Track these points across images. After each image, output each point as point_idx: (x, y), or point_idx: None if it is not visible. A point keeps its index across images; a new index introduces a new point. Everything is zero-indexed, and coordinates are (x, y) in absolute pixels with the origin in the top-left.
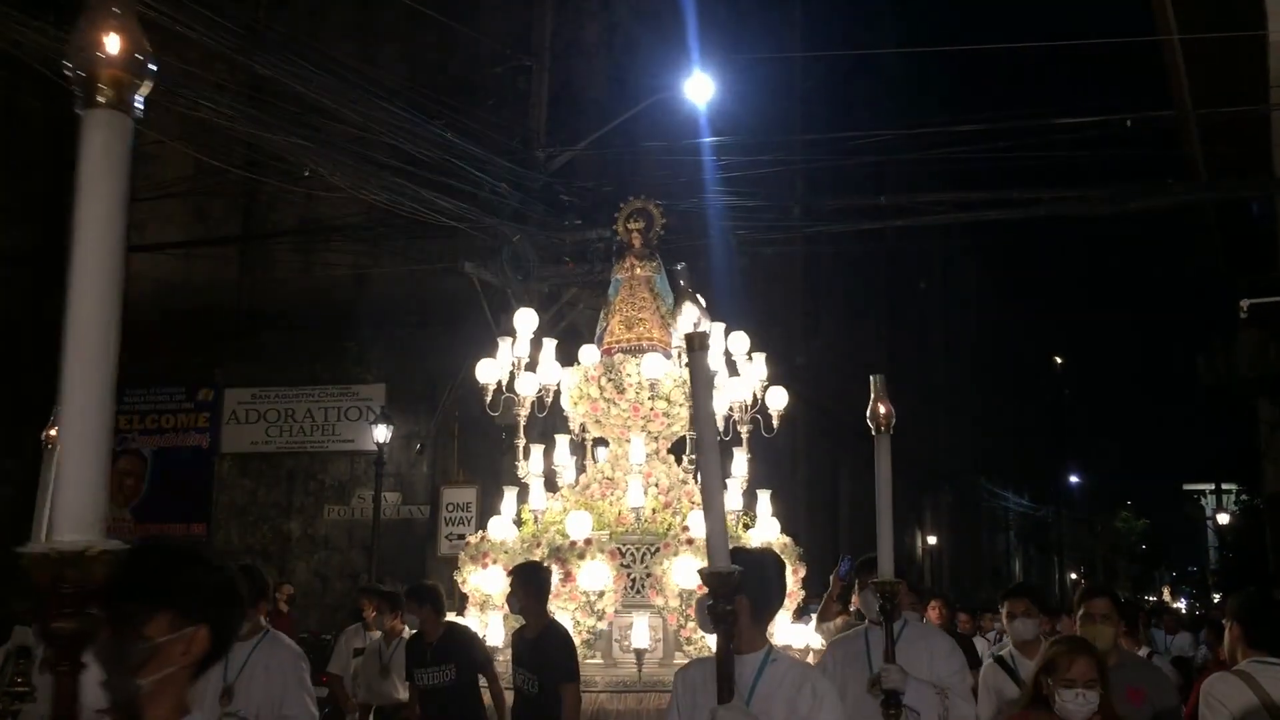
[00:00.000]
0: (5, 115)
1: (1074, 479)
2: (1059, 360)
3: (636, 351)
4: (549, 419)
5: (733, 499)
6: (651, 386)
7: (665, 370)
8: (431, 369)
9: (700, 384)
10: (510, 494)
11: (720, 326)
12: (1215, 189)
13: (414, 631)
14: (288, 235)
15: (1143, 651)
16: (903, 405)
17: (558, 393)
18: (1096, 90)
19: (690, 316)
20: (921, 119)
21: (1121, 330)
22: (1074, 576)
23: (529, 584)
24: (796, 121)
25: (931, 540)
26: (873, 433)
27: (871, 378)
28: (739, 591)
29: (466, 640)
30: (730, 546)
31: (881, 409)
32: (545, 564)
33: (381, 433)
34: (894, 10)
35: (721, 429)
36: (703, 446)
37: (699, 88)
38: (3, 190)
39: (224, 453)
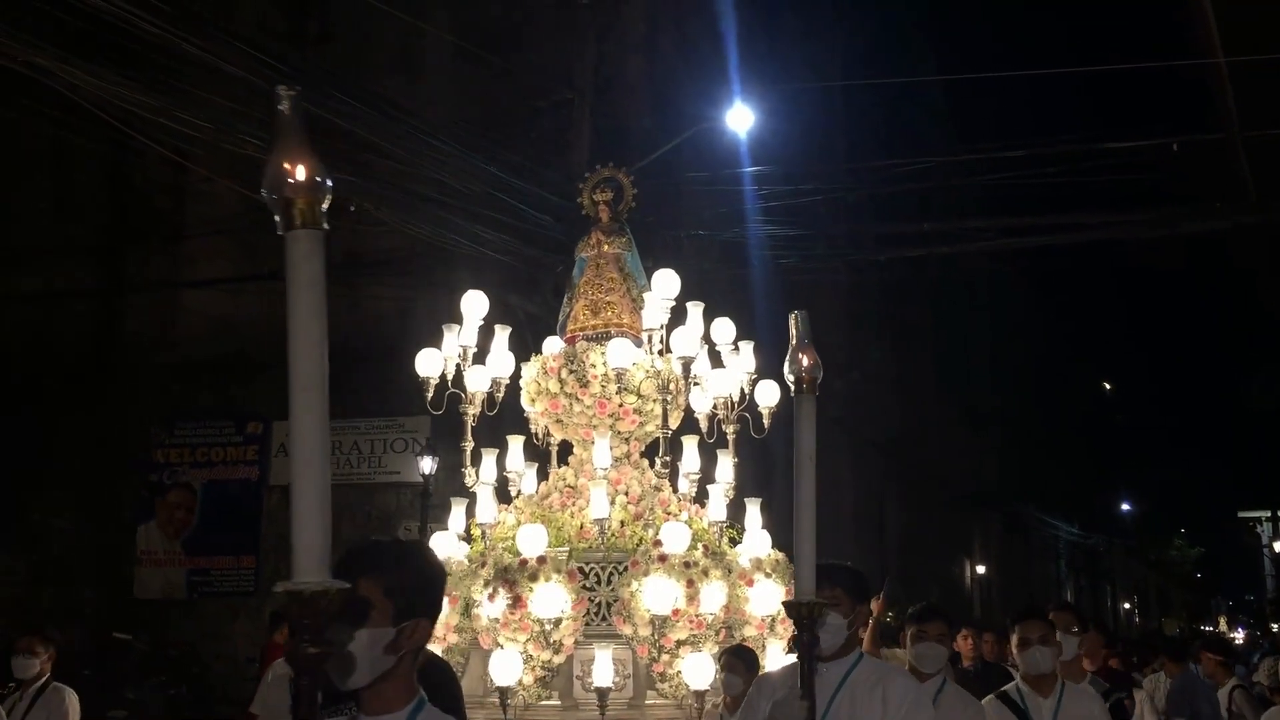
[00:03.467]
0: (61, 155)
1: (1126, 506)
2: (1108, 386)
3: (603, 339)
4: (513, 420)
5: (715, 507)
6: (619, 378)
7: (634, 359)
8: (505, 409)
9: (805, 432)
10: (459, 506)
11: (698, 305)
12: (1265, 211)
13: None
14: (334, 269)
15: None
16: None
17: (517, 389)
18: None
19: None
20: (965, 145)
21: (1172, 355)
22: (1127, 606)
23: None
24: (838, 150)
25: (980, 569)
26: (790, 390)
27: (792, 316)
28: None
29: (445, 672)
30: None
31: (804, 359)
32: (490, 586)
33: (427, 464)
34: (935, 36)
35: (705, 429)
36: (800, 485)
37: (740, 118)
38: (61, 229)
39: (272, 485)
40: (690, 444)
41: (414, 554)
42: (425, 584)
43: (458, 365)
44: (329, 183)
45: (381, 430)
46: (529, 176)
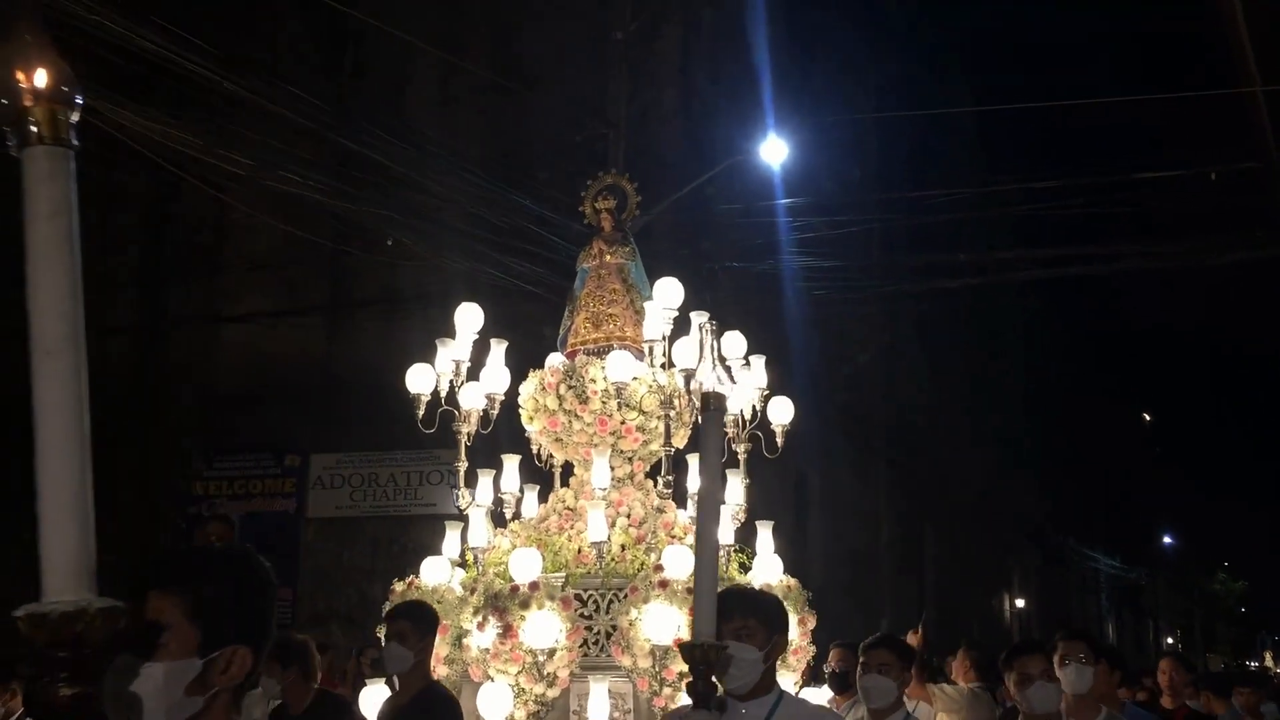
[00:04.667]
0: (104, 191)
1: (1167, 539)
2: (1147, 417)
3: (605, 353)
4: (513, 438)
5: (723, 531)
6: (619, 393)
7: (635, 372)
8: (515, 429)
9: (712, 450)
10: (454, 531)
11: (701, 315)
12: None
13: (276, 702)
14: (370, 304)
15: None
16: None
17: (515, 406)
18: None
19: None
20: (997, 174)
21: (1211, 385)
22: (1170, 641)
23: (422, 627)
24: (871, 181)
25: (1020, 603)
26: (697, 409)
27: (697, 323)
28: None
29: (341, 715)
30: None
31: (711, 376)
32: (480, 614)
33: (464, 496)
34: (967, 66)
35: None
36: (704, 510)
37: (774, 150)
38: (102, 264)
39: (310, 517)
40: (696, 463)
41: (229, 563)
42: (244, 601)
43: (450, 382)
44: (79, 97)
45: (417, 462)
46: (565, 211)
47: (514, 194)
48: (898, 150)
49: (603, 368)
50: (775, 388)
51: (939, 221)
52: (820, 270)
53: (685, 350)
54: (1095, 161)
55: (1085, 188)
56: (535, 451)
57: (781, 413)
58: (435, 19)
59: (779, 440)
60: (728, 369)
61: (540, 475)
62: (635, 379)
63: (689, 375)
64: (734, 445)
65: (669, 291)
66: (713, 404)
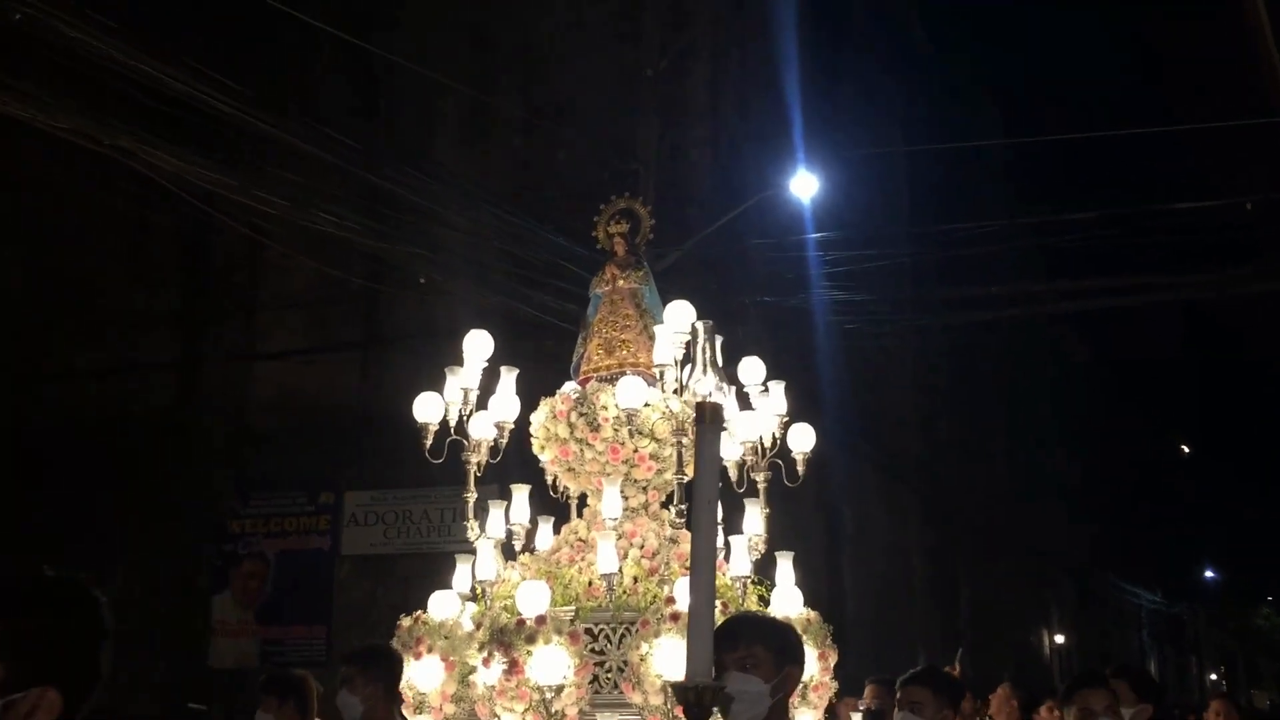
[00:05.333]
0: (139, 231)
1: (1209, 573)
2: (1185, 449)
3: (617, 380)
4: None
5: (740, 561)
6: (629, 419)
7: (646, 398)
8: (529, 459)
9: (706, 467)
10: (464, 564)
11: (710, 333)
12: None
13: None
14: (406, 340)
15: None
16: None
17: (526, 434)
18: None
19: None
20: (1029, 205)
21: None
22: (1213, 678)
23: (373, 673)
24: (902, 214)
25: (1060, 639)
26: (693, 418)
27: (694, 322)
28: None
29: None
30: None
31: (708, 382)
32: (485, 650)
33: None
34: (996, 97)
35: (735, 477)
36: (698, 532)
37: (804, 185)
38: (138, 302)
39: (344, 555)
40: None
41: (51, 595)
42: (64, 639)
43: (460, 411)
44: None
45: (451, 499)
46: (593, 245)
47: (543, 230)
48: (927, 183)
49: (614, 394)
50: (804, 421)
51: (970, 254)
52: (851, 304)
53: (698, 374)
54: (1127, 191)
55: (1117, 218)
56: (550, 482)
57: (802, 440)
58: (465, 57)
59: (800, 468)
60: (745, 395)
61: (556, 507)
62: (647, 405)
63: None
64: (753, 474)
65: (680, 315)
66: (708, 415)
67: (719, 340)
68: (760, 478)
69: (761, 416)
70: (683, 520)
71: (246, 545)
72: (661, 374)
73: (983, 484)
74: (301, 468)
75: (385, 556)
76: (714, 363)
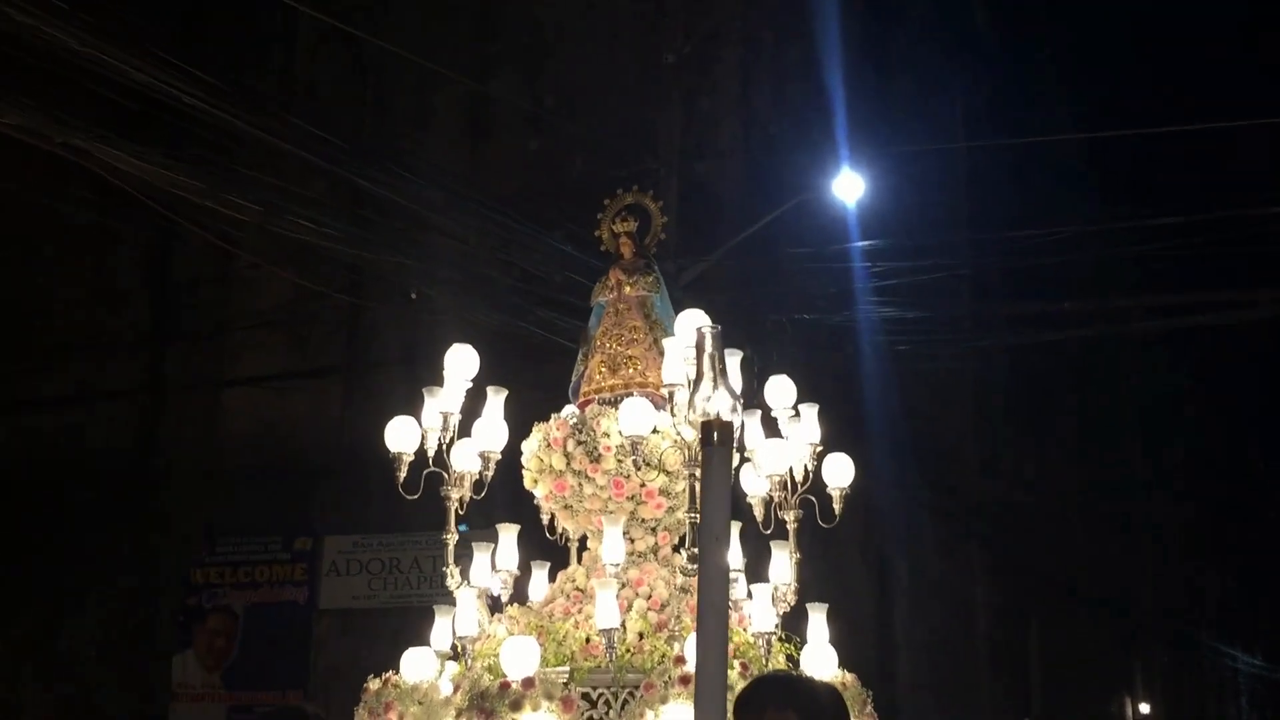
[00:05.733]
0: (97, 244)
1: None
2: None
3: (622, 402)
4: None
5: (762, 615)
6: (634, 448)
7: (654, 423)
8: (521, 495)
9: (715, 496)
10: (444, 618)
11: (735, 354)
12: None
13: None
14: (393, 365)
15: None
16: (1102, 544)
17: (517, 467)
18: None
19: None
20: (1109, 210)
21: None
22: None
23: None
24: (961, 220)
25: (1145, 708)
26: (699, 440)
27: (697, 328)
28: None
29: None
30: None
31: (718, 396)
32: (464, 717)
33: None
34: (1071, 84)
35: (760, 515)
36: (706, 577)
37: (848, 186)
38: (97, 324)
39: (323, 609)
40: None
41: None
42: None
43: (439, 439)
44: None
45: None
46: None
47: (551, 239)
48: (991, 183)
49: (617, 419)
50: (847, 456)
51: (1040, 264)
52: (903, 322)
53: (706, 388)
54: (1224, 192)
55: (1213, 223)
56: (547, 522)
57: (839, 473)
58: (463, 45)
59: (837, 506)
60: (773, 420)
61: (553, 551)
62: (656, 431)
63: None
64: (781, 513)
65: (693, 325)
66: (717, 435)
67: (741, 358)
68: (790, 517)
69: (792, 446)
70: (694, 567)
71: (212, 598)
72: (671, 395)
73: (1056, 529)
74: (275, 509)
75: (370, 611)
76: (724, 375)
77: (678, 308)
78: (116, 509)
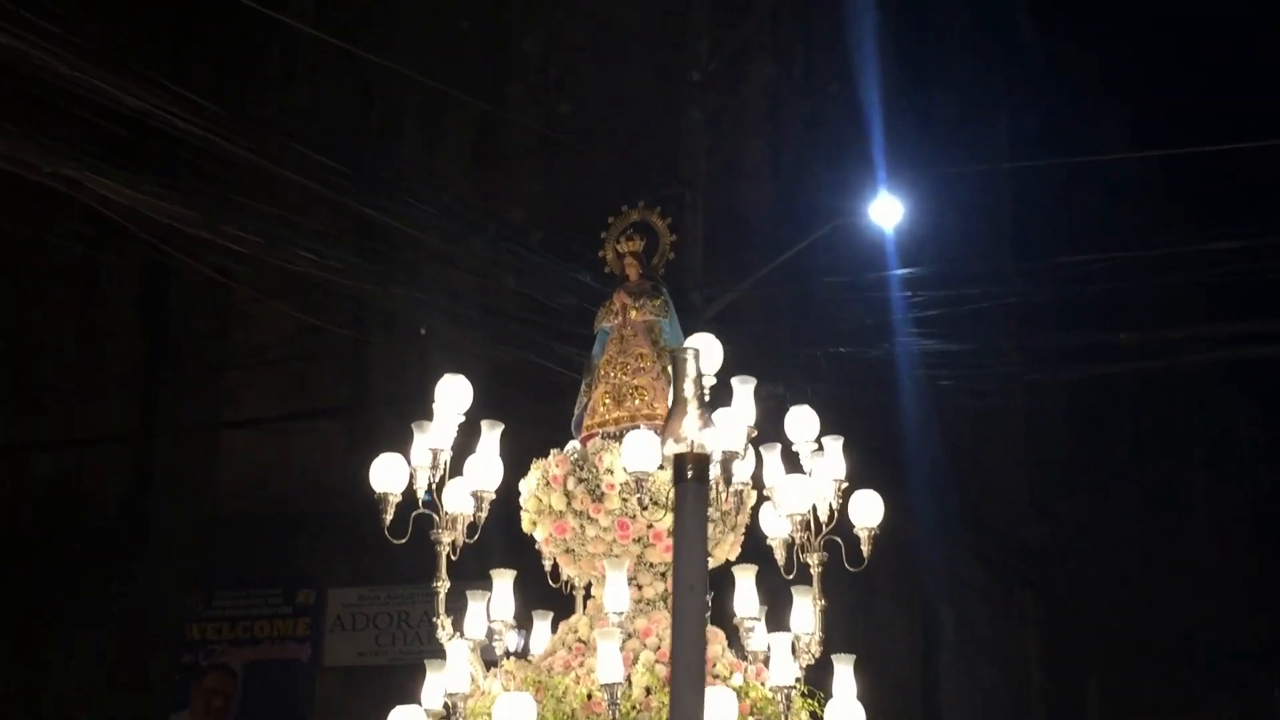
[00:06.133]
0: (87, 279)
1: None
2: None
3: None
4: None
5: (781, 667)
6: (639, 485)
7: (660, 459)
8: (520, 539)
9: (691, 539)
10: (436, 673)
11: (748, 382)
12: None
13: None
14: (400, 404)
15: None
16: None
17: (516, 508)
18: None
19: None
20: (1169, 232)
21: None
22: None
23: None
24: (1007, 245)
25: None
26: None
27: (674, 351)
28: None
29: None
30: None
31: (693, 425)
32: None
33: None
34: (1126, 100)
35: (782, 560)
36: (680, 634)
37: (886, 210)
38: (87, 363)
39: (327, 666)
40: (745, 578)
41: None
42: None
43: (429, 478)
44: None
45: (457, 597)
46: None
47: (569, 268)
48: (1040, 206)
49: (621, 454)
50: (889, 501)
51: (1094, 292)
52: (946, 355)
53: (723, 426)
54: None
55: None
56: (550, 569)
57: (867, 511)
58: (473, 64)
59: (865, 548)
60: (794, 455)
61: (558, 600)
62: (664, 467)
63: (728, 461)
64: (803, 556)
65: (704, 351)
66: (691, 470)
67: (751, 389)
68: (814, 560)
69: (816, 483)
70: (708, 613)
71: (209, 655)
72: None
73: (1115, 576)
74: (275, 559)
75: (378, 668)
76: (700, 398)
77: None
78: (107, 560)
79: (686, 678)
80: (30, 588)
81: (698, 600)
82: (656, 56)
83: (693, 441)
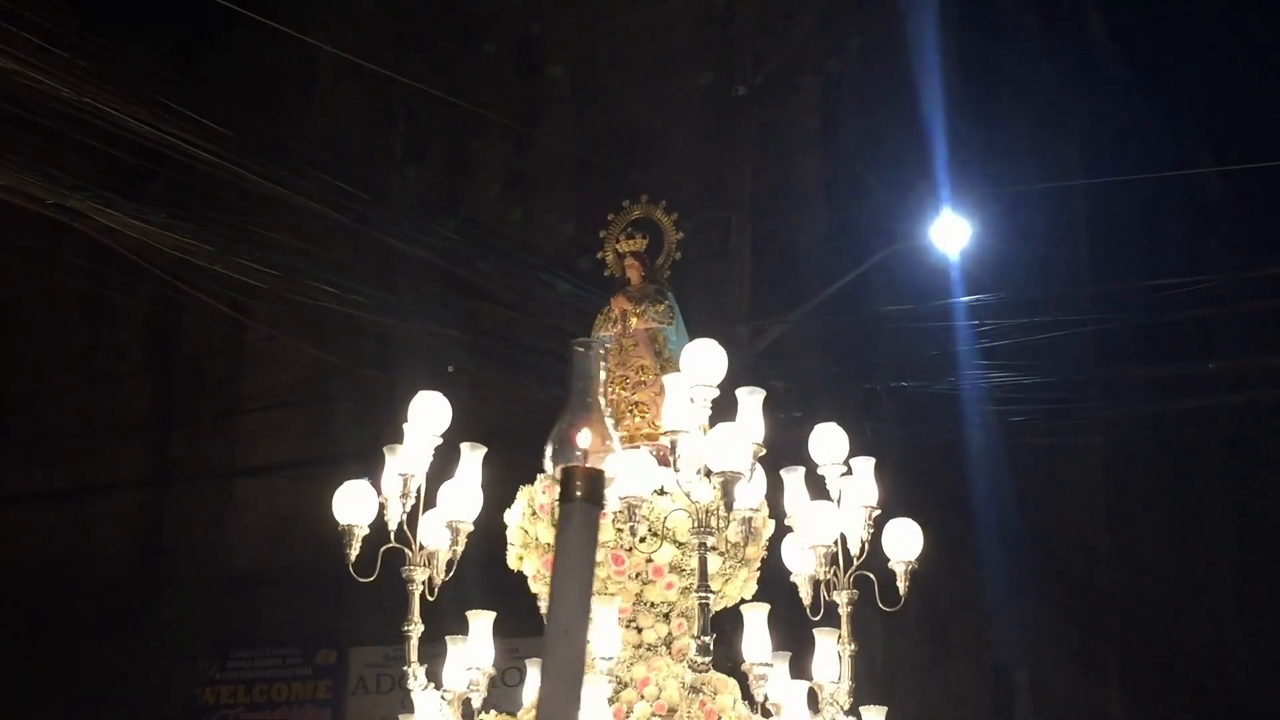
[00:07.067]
0: (96, 315)
1: None
2: None
3: None
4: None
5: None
6: (631, 513)
7: (657, 482)
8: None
9: (569, 582)
10: None
11: (755, 394)
12: None
13: None
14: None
15: None
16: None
17: (502, 540)
18: None
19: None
20: (1256, 255)
21: None
22: None
23: None
24: (1082, 270)
25: None
26: (556, 499)
27: (571, 348)
28: None
29: None
30: None
31: (584, 437)
32: None
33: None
34: (1208, 114)
35: (808, 598)
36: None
37: (950, 233)
38: (94, 407)
39: None
40: (756, 617)
41: None
42: None
43: (400, 507)
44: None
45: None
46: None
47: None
48: (1118, 228)
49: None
50: (953, 545)
51: (1179, 319)
52: (1018, 389)
53: (725, 444)
54: None
55: None
56: (548, 610)
57: (904, 543)
58: (506, 82)
59: (902, 585)
60: (820, 479)
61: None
62: (664, 493)
63: (730, 483)
64: (832, 595)
65: (703, 360)
66: (580, 487)
67: (759, 402)
68: (842, 599)
69: (846, 512)
70: (708, 661)
71: (224, 719)
72: (674, 445)
73: (1210, 632)
74: (294, 617)
75: None
76: (597, 400)
77: (755, 378)
78: (115, 618)
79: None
80: (33, 649)
81: (573, 647)
82: (699, 72)
83: (585, 453)
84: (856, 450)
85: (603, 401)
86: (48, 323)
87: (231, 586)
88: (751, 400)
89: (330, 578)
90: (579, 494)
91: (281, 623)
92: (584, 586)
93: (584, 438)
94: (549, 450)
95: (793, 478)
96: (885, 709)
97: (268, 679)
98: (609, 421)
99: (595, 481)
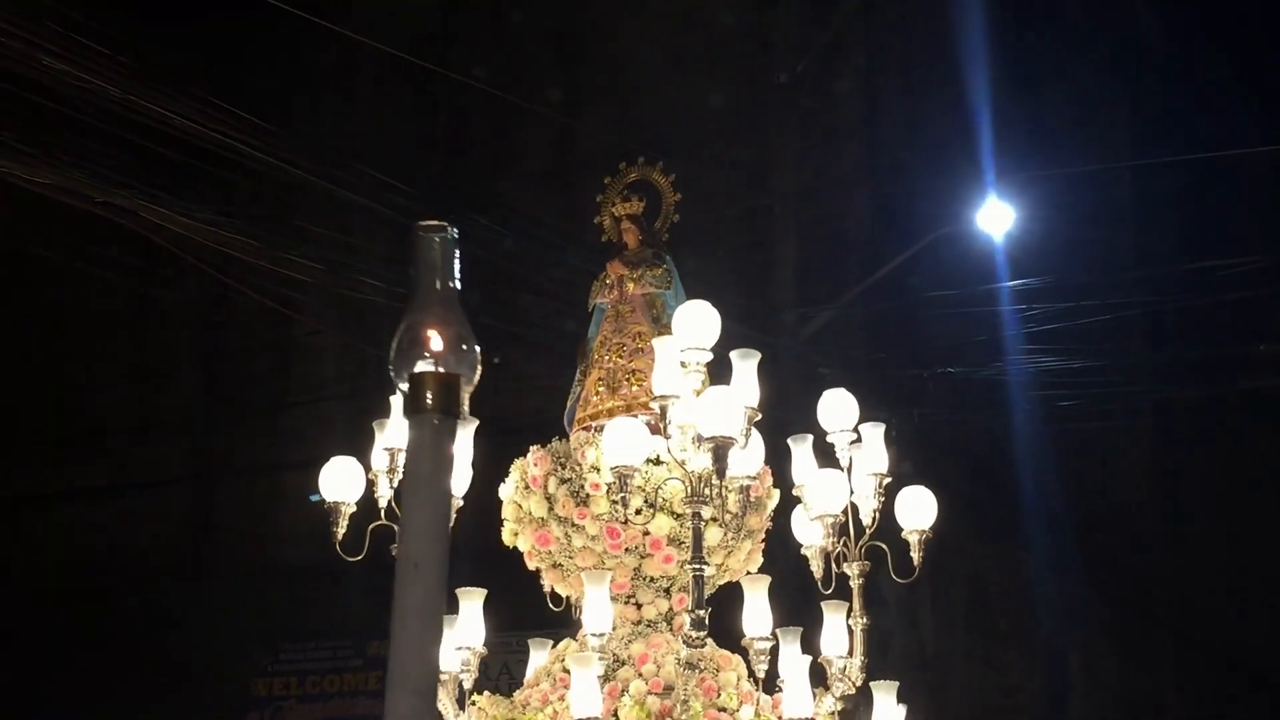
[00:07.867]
0: (142, 311)
1: None
2: None
3: None
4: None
5: (795, 700)
6: (623, 483)
7: (648, 450)
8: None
9: (420, 507)
10: None
11: (750, 356)
12: None
13: None
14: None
15: None
16: None
17: (497, 518)
18: None
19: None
20: None
21: None
22: None
23: None
24: (1130, 252)
25: None
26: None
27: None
28: None
29: None
30: None
31: (435, 336)
32: None
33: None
34: (1257, 95)
35: (818, 571)
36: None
37: (995, 217)
38: (141, 404)
39: None
40: (755, 592)
41: None
42: None
43: (389, 484)
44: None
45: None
46: (720, 307)
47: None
48: (1166, 209)
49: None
50: (1002, 532)
51: (1228, 301)
52: (1066, 374)
53: (717, 409)
54: None
55: None
56: (549, 591)
57: (917, 511)
58: (546, 74)
59: (915, 555)
60: (830, 447)
61: (561, 621)
62: (660, 462)
63: (722, 448)
64: (841, 566)
65: (696, 321)
66: (431, 396)
67: (754, 365)
68: (853, 571)
69: (855, 480)
70: (704, 635)
71: (276, 712)
72: (664, 411)
73: (1265, 620)
74: (345, 609)
75: None
76: (447, 300)
77: (801, 366)
78: (165, 613)
79: (403, 700)
80: (85, 644)
81: (426, 583)
82: (742, 59)
83: (437, 355)
84: (901, 438)
85: (437, 294)
86: (95, 319)
87: (281, 579)
88: (746, 364)
89: (381, 568)
90: (429, 404)
91: (333, 615)
92: (438, 513)
93: (436, 340)
94: (392, 354)
95: (801, 447)
96: (896, 684)
97: (320, 671)
98: (462, 316)
99: (449, 388)
